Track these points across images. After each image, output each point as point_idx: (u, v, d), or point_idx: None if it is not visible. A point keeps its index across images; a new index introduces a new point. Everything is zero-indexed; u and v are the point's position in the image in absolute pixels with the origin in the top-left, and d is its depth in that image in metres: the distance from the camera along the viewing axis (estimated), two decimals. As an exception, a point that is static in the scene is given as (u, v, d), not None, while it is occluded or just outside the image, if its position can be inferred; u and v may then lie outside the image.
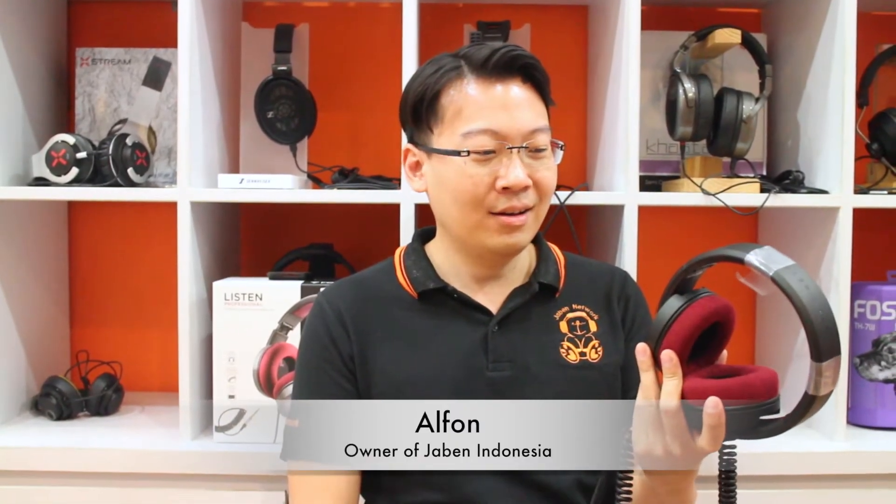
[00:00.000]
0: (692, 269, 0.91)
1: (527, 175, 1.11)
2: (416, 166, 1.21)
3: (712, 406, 0.86)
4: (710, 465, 0.96)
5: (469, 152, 1.11)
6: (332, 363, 1.18)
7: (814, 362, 0.82)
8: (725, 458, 0.94)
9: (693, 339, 0.91)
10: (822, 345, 0.81)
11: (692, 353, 0.92)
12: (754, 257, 0.84)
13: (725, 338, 0.94)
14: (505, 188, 1.11)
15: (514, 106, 1.12)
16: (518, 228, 1.13)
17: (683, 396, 0.89)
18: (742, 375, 0.89)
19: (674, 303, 0.92)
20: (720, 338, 0.94)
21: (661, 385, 0.91)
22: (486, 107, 1.12)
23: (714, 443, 0.88)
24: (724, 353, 0.96)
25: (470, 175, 1.11)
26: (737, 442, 0.92)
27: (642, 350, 0.94)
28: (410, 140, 1.21)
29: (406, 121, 1.21)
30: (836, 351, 0.82)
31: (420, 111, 1.17)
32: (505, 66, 1.13)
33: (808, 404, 0.84)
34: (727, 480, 0.95)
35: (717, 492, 0.97)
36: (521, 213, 1.13)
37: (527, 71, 1.14)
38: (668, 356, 0.90)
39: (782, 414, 0.88)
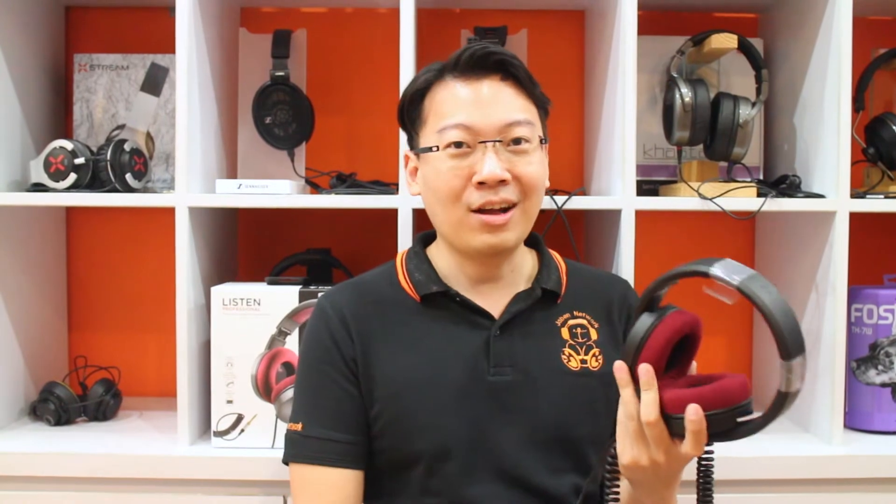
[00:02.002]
0: (659, 286, 0.96)
1: (504, 169, 1.12)
2: (415, 171, 1.22)
3: (693, 412, 0.89)
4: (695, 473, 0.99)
5: (438, 147, 1.13)
6: (335, 366, 1.18)
7: (783, 361, 0.87)
8: (704, 461, 0.99)
9: (667, 353, 0.95)
10: (790, 343, 0.86)
11: (666, 366, 0.96)
12: (718, 270, 0.89)
13: (694, 349, 0.98)
14: (480, 183, 1.11)
15: (487, 102, 1.13)
16: (501, 228, 1.13)
17: (663, 407, 0.93)
18: (716, 382, 0.92)
19: (645, 320, 0.96)
20: (690, 349, 0.98)
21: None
22: (460, 104, 1.14)
23: (697, 447, 0.91)
24: (694, 363, 0.99)
25: (446, 170, 1.13)
26: (717, 445, 0.96)
27: (619, 367, 0.97)
28: (409, 145, 1.23)
29: (402, 127, 1.24)
30: (802, 349, 0.87)
31: (404, 116, 1.21)
32: (478, 63, 1.14)
33: (782, 401, 0.88)
34: (705, 483, 0.99)
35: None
36: (504, 210, 1.13)
37: (503, 67, 1.15)
38: (644, 370, 0.94)
39: (757, 414, 0.92)
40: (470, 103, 1.13)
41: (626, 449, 0.97)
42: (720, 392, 0.91)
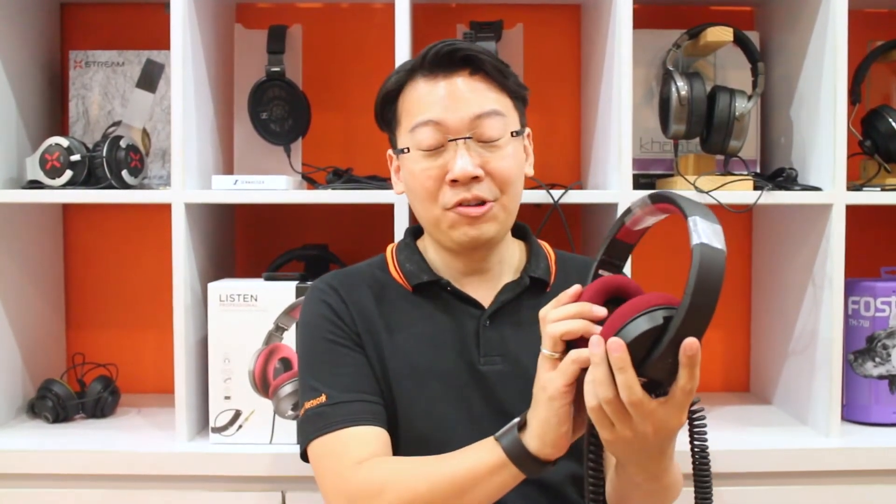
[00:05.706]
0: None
1: (477, 165, 1.12)
2: (399, 170, 1.23)
3: (689, 348, 0.82)
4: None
5: (409, 149, 1.14)
6: (346, 334, 1.17)
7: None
8: (696, 421, 0.91)
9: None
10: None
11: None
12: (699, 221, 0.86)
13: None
14: (454, 181, 1.12)
15: (455, 98, 1.13)
16: (479, 219, 1.13)
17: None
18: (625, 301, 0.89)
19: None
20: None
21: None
22: (429, 101, 1.14)
23: (692, 378, 0.85)
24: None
25: (420, 170, 1.14)
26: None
27: (596, 343, 0.88)
28: (391, 146, 1.24)
29: (381, 128, 1.25)
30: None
31: (380, 117, 1.22)
32: (444, 60, 1.14)
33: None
34: (701, 460, 0.91)
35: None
36: (480, 204, 1.13)
37: (471, 62, 1.15)
38: (614, 345, 0.85)
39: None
40: (438, 100, 1.13)
41: (606, 429, 0.90)
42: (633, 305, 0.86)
